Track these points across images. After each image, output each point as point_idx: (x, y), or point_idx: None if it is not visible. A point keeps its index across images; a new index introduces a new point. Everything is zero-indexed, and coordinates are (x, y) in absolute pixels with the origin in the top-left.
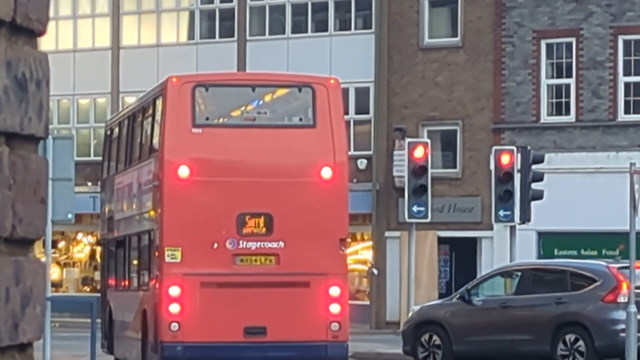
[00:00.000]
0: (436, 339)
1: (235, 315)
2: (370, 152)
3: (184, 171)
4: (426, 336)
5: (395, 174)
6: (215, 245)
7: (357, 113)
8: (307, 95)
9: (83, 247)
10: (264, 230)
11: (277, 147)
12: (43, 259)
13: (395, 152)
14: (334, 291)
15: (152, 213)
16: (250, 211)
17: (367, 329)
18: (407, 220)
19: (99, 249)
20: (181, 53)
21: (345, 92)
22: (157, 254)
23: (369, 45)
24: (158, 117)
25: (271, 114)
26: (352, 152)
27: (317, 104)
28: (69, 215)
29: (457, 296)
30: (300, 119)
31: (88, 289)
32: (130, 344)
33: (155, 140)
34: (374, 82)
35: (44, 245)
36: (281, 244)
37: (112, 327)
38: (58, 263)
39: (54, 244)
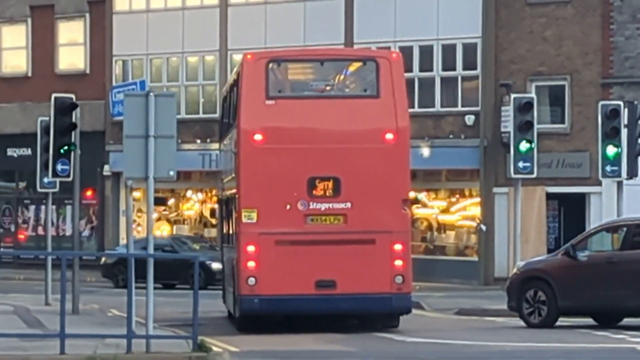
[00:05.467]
0: (541, 295)
1: (307, 270)
2: (478, 108)
3: (258, 139)
4: (531, 292)
5: (503, 129)
6: (288, 207)
7: (464, 69)
8: (371, 68)
9: (192, 204)
10: (332, 192)
11: (343, 116)
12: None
13: (502, 108)
14: (398, 247)
15: (234, 177)
16: (319, 175)
17: (475, 285)
18: (513, 176)
19: (216, 206)
20: (289, 11)
21: (453, 48)
22: (236, 214)
23: (476, 1)
24: (239, 90)
25: (338, 85)
26: (459, 108)
27: (381, 76)
28: (171, 173)
29: (562, 252)
30: (365, 90)
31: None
32: (231, 297)
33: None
34: (482, 37)
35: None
36: (348, 204)
37: (224, 280)
38: (168, 220)
39: (164, 202)
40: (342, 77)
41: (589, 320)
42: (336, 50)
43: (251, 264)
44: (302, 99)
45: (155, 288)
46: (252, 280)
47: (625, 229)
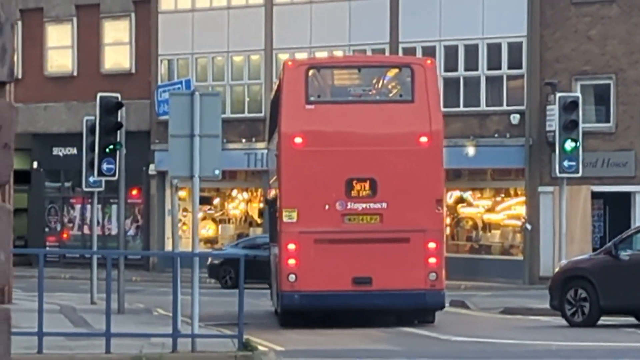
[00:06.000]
0: (582, 293)
1: (345, 268)
2: (523, 107)
3: (298, 142)
4: (572, 291)
5: (548, 128)
6: (327, 207)
7: (509, 68)
8: (406, 74)
9: (238, 203)
10: (369, 192)
11: (380, 119)
12: (8, 206)
13: (547, 107)
14: (432, 245)
15: (276, 178)
16: (357, 176)
17: (520, 284)
18: (558, 175)
19: (262, 206)
20: (334, 11)
21: (498, 47)
22: (278, 214)
23: (522, 0)
24: (280, 95)
25: (375, 91)
26: (504, 107)
27: (415, 81)
28: (216, 172)
29: (604, 251)
30: (401, 95)
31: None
32: (275, 294)
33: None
34: (527, 36)
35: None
36: (384, 204)
37: (271, 279)
38: (213, 219)
39: (209, 201)
40: (378, 82)
41: (632, 320)
42: (373, 57)
43: (291, 261)
44: (341, 104)
45: (256, 288)
46: (292, 277)
47: None
